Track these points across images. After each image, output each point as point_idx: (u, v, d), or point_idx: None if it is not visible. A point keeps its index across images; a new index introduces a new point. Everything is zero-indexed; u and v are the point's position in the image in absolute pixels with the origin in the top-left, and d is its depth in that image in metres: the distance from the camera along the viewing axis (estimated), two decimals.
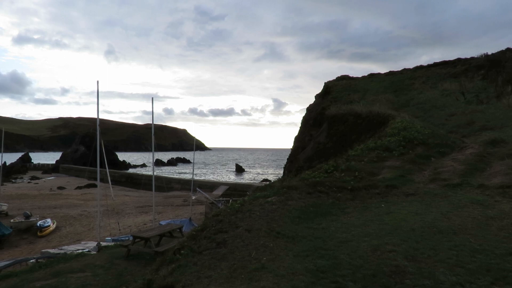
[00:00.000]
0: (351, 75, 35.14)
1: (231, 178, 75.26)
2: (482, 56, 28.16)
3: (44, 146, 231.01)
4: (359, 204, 7.44)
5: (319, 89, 34.10)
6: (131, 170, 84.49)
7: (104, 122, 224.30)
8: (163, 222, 20.44)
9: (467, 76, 25.51)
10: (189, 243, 5.70)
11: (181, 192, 42.44)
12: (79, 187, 49.09)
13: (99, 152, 16.64)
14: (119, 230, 20.18)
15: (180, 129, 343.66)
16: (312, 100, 32.54)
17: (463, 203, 6.87)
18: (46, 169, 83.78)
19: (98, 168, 17.29)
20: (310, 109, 30.09)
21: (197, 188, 32.67)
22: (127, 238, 15.48)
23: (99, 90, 17.08)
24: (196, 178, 46.78)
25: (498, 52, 27.22)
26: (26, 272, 9.06)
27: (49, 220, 24.48)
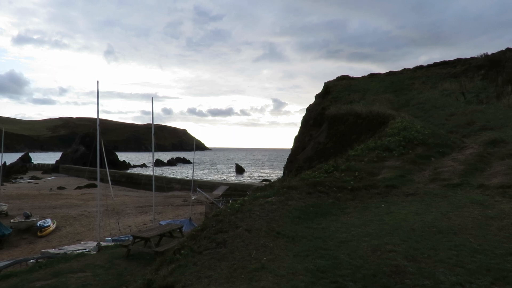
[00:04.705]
0: (350, 75, 35.21)
1: (231, 178, 75.22)
2: (482, 56, 28.17)
3: (44, 146, 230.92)
4: (359, 204, 7.44)
5: (318, 89, 34.18)
6: (131, 170, 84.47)
7: (104, 122, 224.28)
8: (163, 222, 20.44)
9: (467, 76, 25.52)
10: (189, 243, 5.71)
11: (181, 192, 42.44)
12: (79, 187, 49.09)
13: (99, 152, 16.64)
14: (119, 230, 20.18)
15: (180, 129, 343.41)
16: (311, 100, 32.57)
17: (463, 203, 6.86)
18: (46, 169, 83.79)
19: (98, 168, 17.30)
20: (310, 109, 30.09)
21: (197, 188, 32.67)
22: (127, 238, 15.48)
23: (99, 90, 17.12)
24: (196, 178, 46.79)
25: (498, 52, 27.23)
26: (26, 272, 9.05)
27: (49, 220, 24.48)
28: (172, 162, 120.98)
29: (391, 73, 33.22)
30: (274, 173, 77.72)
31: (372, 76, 33.74)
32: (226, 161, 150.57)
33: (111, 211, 21.91)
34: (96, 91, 17.21)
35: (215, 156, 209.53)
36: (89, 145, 79.30)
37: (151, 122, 22.83)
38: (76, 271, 8.66)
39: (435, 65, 32.16)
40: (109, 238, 18.07)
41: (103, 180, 23.19)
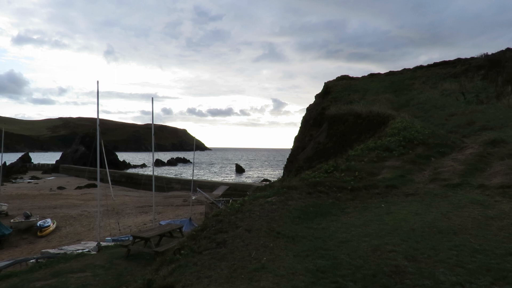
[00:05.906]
0: (350, 75, 35.25)
1: (231, 178, 75.24)
2: (482, 56, 28.18)
3: (44, 146, 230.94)
4: (359, 204, 7.43)
5: (318, 89, 34.34)
6: (131, 170, 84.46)
7: (104, 122, 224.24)
8: (163, 222, 20.45)
9: (467, 76, 25.52)
10: (189, 243, 5.70)
11: (181, 192, 42.44)
12: (79, 187, 49.08)
13: (99, 152, 16.65)
14: (119, 230, 20.18)
15: (180, 129, 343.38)
16: (311, 100, 32.59)
17: (463, 203, 6.86)
18: (46, 169, 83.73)
19: (98, 168, 17.30)
20: (310, 109, 30.11)
21: (197, 188, 32.68)
22: (127, 238, 15.49)
23: (99, 90, 17.14)
24: (196, 178, 46.79)
25: (498, 52, 27.24)
26: (26, 272, 9.06)
27: (49, 220, 24.49)
28: (172, 162, 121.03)
29: (391, 73, 33.24)
30: (274, 173, 77.75)
31: (372, 76, 33.76)
32: (226, 161, 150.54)
33: (111, 211, 21.92)
34: (96, 91, 17.24)
35: (215, 156, 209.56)
36: (89, 145, 79.38)
37: (151, 122, 22.84)
38: (76, 271, 8.67)
39: (435, 65, 32.18)
40: (109, 238, 18.08)
41: (103, 180, 23.20)
